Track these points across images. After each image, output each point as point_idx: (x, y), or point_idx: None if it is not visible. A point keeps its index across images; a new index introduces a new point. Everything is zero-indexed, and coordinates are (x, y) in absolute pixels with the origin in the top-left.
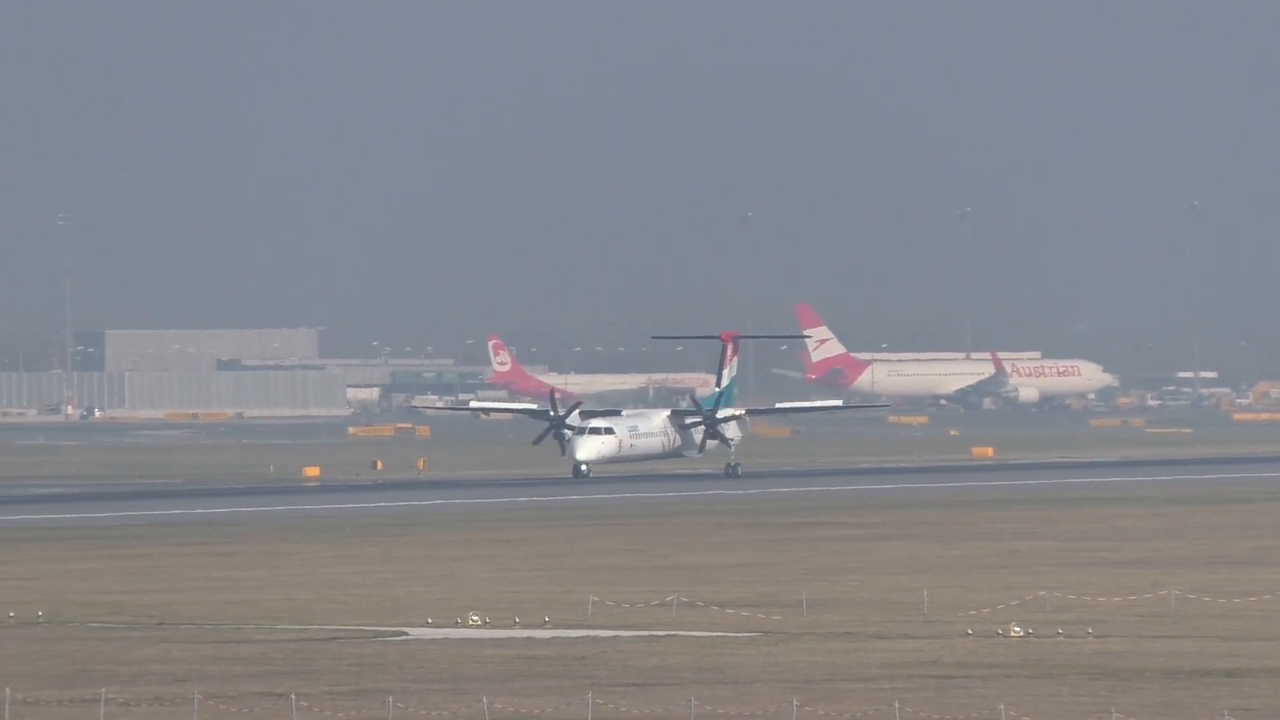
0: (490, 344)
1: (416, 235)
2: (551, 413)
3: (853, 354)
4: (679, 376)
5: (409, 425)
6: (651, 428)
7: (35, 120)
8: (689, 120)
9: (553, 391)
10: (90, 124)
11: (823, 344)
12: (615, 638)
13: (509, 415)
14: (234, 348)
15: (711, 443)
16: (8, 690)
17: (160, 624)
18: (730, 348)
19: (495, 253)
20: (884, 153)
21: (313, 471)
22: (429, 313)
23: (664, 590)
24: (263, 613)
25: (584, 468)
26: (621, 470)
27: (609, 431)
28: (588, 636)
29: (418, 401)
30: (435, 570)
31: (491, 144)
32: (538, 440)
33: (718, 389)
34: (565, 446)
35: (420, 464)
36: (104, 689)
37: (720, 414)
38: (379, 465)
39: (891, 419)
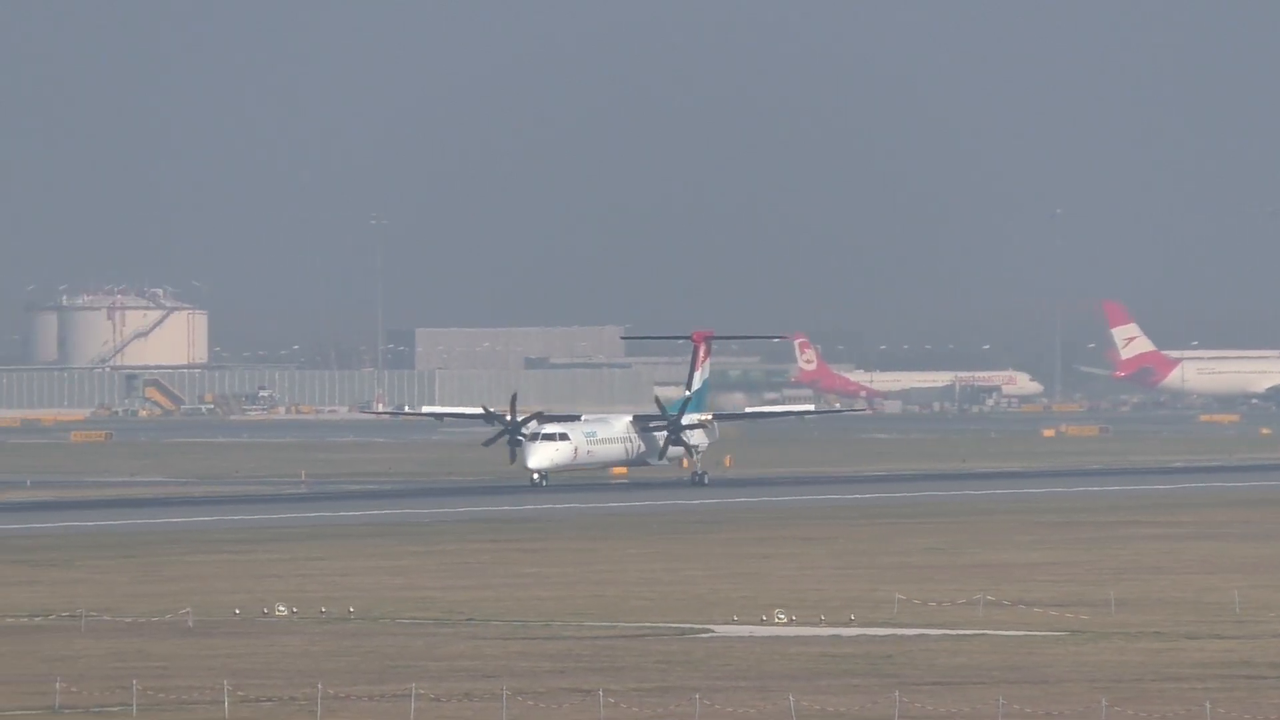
0: (796, 342)
1: (723, 232)
2: (507, 418)
3: (1163, 352)
4: (984, 374)
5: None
6: (612, 434)
7: (345, 124)
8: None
9: (514, 398)
10: (399, 126)
11: (1131, 341)
12: (921, 636)
13: (463, 420)
14: (542, 346)
15: (675, 449)
16: (320, 685)
17: (469, 620)
18: (703, 349)
19: (801, 250)
20: (1196, 149)
21: (620, 470)
22: (736, 310)
23: (970, 589)
24: (570, 609)
25: (536, 476)
26: (575, 478)
27: (563, 438)
28: (893, 635)
29: (380, 406)
30: (740, 567)
31: (801, 143)
32: (488, 442)
33: (687, 392)
34: (517, 453)
35: (727, 461)
36: (414, 684)
37: (685, 419)
38: (685, 463)
39: (1203, 417)
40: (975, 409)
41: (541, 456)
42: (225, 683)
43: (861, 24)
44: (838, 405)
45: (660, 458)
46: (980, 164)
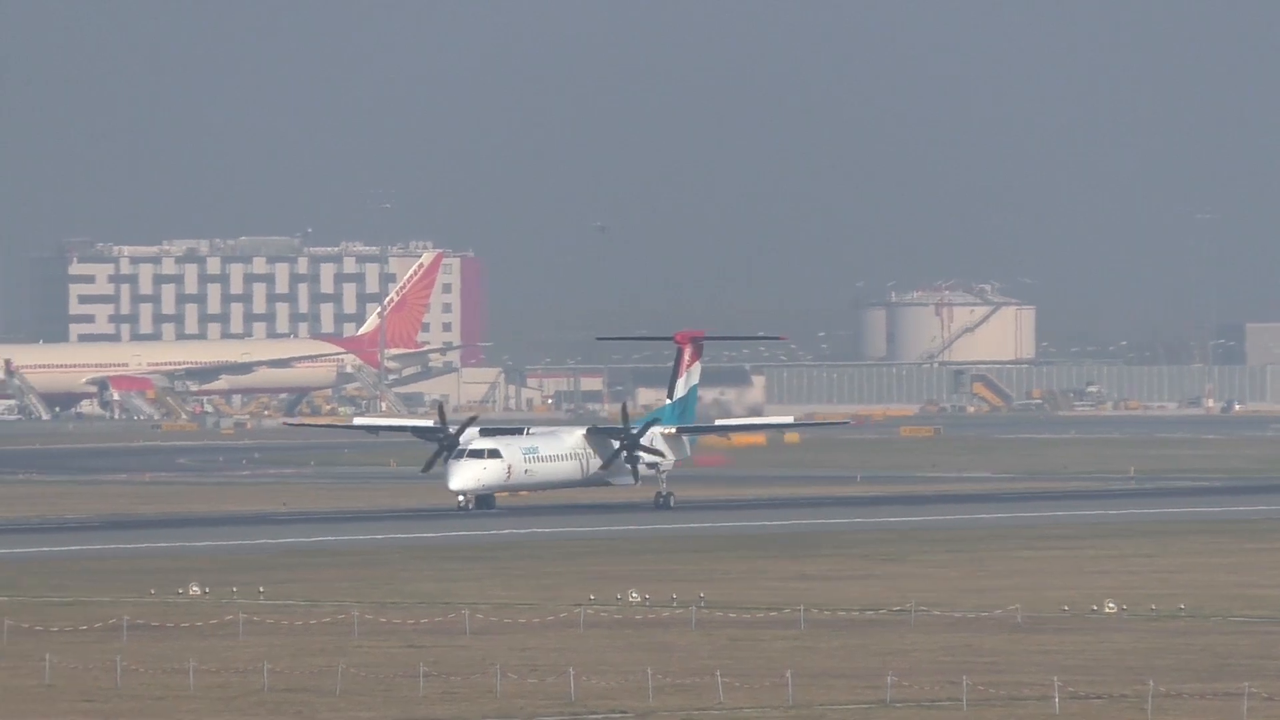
0: None
1: None
2: (445, 431)
3: None
4: None
5: None
6: (559, 449)
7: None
8: None
9: (441, 406)
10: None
11: None
12: None
13: (400, 433)
14: None
15: (642, 467)
16: (1150, 683)
17: None
18: (688, 351)
19: None
20: None
21: None
22: None
23: None
24: None
25: (462, 499)
26: (520, 501)
27: (493, 454)
28: None
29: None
30: None
31: None
32: (426, 467)
33: (669, 401)
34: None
35: None
36: (1247, 683)
37: (649, 433)
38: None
39: None
40: None
41: (465, 477)
42: (1055, 679)
43: None
44: None
45: (635, 480)
46: None
